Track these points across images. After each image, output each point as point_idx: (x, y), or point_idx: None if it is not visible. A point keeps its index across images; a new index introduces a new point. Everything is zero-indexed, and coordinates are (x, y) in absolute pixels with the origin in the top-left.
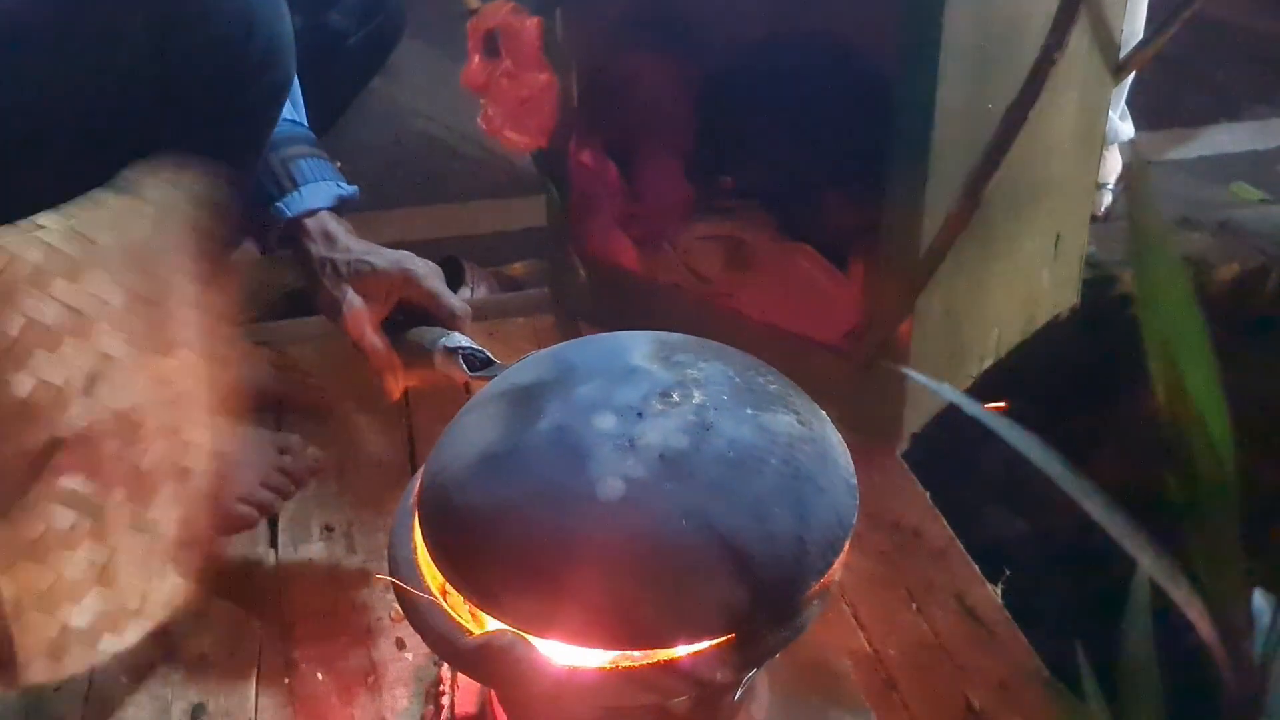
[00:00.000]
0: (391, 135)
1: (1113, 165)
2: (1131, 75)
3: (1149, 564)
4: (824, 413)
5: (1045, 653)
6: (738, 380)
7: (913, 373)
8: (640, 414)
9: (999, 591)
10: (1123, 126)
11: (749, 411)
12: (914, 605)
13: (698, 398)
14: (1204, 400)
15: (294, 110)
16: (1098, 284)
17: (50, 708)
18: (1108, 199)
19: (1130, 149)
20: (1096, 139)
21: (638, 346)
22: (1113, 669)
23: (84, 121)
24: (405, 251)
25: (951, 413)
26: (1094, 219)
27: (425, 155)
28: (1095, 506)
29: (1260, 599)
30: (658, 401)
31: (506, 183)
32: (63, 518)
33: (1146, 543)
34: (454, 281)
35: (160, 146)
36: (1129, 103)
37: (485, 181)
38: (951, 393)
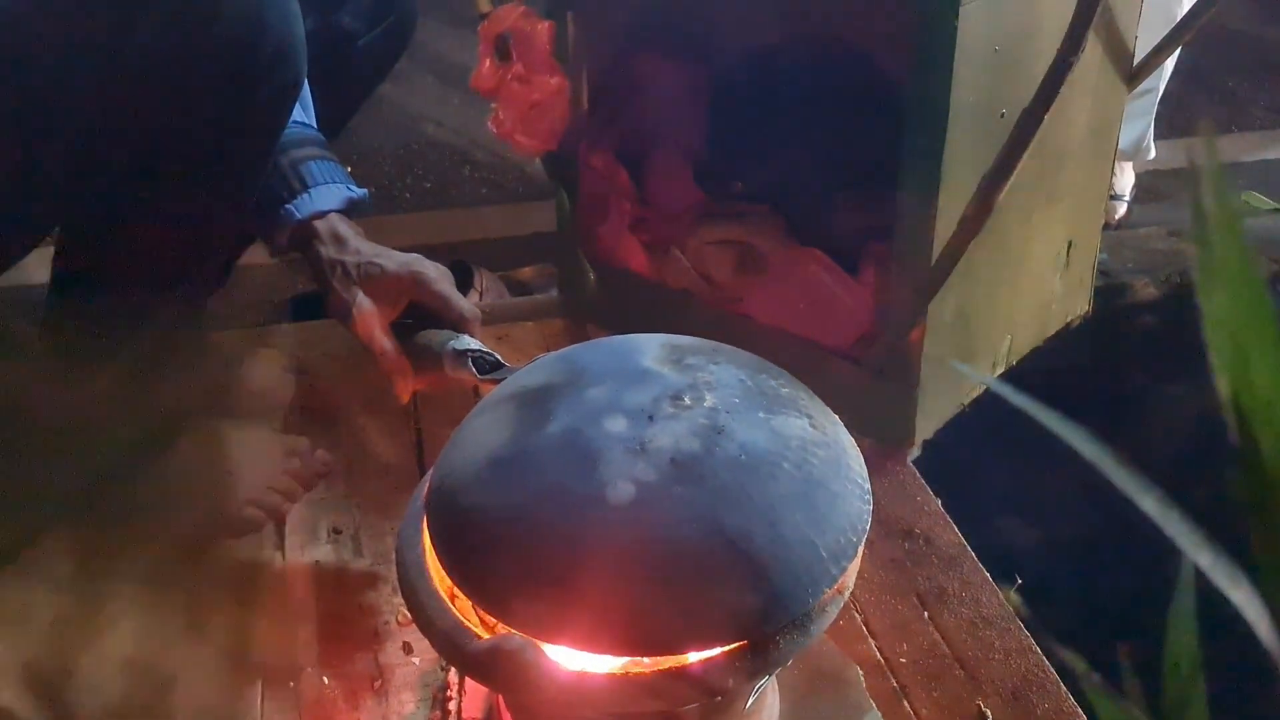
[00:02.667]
0: (402, 140)
1: (1127, 180)
2: (1160, 93)
3: (1207, 563)
4: (836, 416)
5: (1057, 661)
6: (749, 383)
7: (960, 365)
8: (651, 417)
9: (1011, 599)
10: (1151, 145)
11: (761, 415)
12: (925, 613)
13: (709, 401)
14: (1272, 390)
15: (303, 112)
16: (1109, 292)
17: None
18: (1122, 209)
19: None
20: (1109, 146)
21: (649, 349)
22: (1123, 675)
23: (92, 123)
24: (415, 254)
25: (963, 419)
26: (1106, 227)
27: (436, 160)
28: (1150, 503)
29: None
30: (669, 404)
31: (517, 187)
32: None
33: (1205, 541)
34: (464, 286)
35: (169, 149)
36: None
37: (495, 186)
38: (996, 383)
